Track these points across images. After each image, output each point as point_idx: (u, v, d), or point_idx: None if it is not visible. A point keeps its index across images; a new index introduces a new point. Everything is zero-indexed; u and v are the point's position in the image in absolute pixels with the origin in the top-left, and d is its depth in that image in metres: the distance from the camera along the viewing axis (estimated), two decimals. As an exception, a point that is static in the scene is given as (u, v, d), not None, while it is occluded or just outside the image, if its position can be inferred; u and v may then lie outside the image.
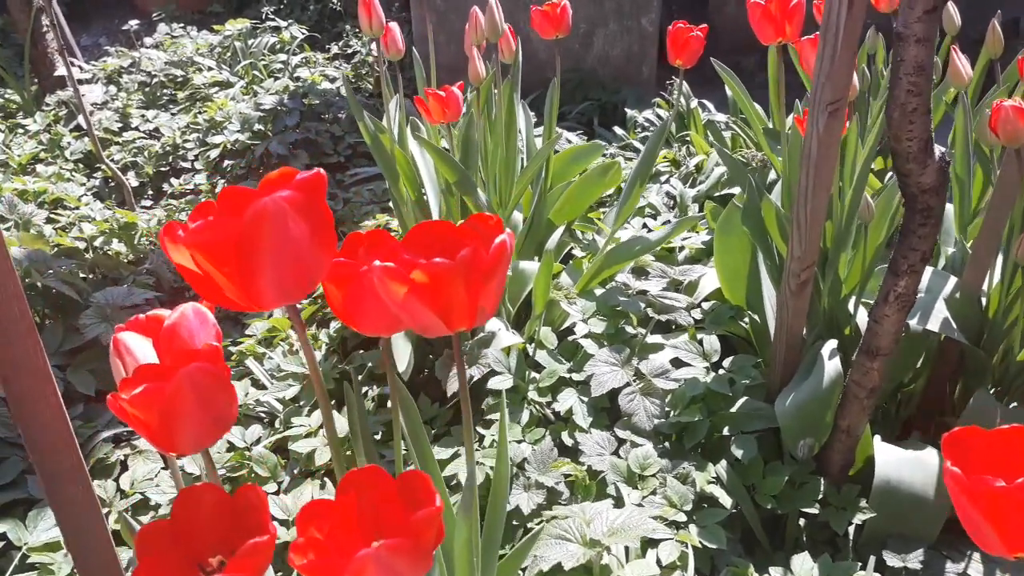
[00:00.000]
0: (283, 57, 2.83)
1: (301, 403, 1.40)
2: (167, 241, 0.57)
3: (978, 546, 0.59)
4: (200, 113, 2.51)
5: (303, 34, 3.02)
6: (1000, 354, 1.29)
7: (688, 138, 2.02)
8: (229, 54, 2.85)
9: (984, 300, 1.30)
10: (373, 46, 2.94)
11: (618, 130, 2.25)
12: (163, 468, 1.30)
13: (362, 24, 1.33)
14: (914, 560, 1.10)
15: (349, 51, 3.04)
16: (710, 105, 2.24)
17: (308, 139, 2.34)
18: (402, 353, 1.40)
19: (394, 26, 1.42)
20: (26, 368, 0.56)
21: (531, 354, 1.36)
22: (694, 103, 2.10)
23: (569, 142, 1.65)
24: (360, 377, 1.49)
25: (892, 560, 1.10)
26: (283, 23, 3.05)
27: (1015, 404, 1.27)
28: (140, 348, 0.78)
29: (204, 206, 0.61)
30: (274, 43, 2.91)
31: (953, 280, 1.28)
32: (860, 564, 1.08)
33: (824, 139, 1.05)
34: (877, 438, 1.21)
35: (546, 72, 2.58)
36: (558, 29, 1.45)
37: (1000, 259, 1.28)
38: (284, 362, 1.48)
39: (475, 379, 1.31)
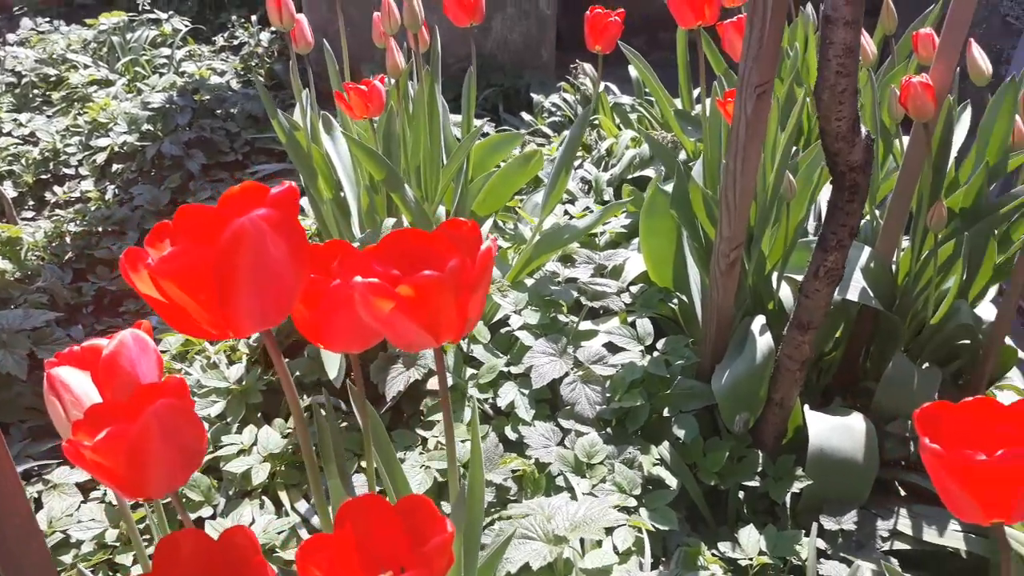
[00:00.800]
0: (166, 51, 2.68)
1: (228, 420, 1.34)
2: (129, 271, 0.52)
3: (954, 514, 0.61)
4: (80, 115, 2.35)
5: (186, 26, 2.87)
6: (911, 318, 1.36)
7: (597, 122, 2.03)
8: (106, 50, 2.67)
9: (895, 267, 1.37)
10: (262, 36, 2.83)
11: (526, 116, 2.24)
12: (83, 502, 1.22)
13: (271, 18, 1.27)
14: (848, 522, 1.15)
15: (236, 42, 2.91)
16: (614, 87, 2.26)
17: (203, 137, 2.22)
18: (332, 360, 1.36)
19: (302, 18, 1.36)
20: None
21: (466, 350, 1.34)
22: (600, 86, 2.11)
23: (486, 133, 1.63)
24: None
25: (829, 524, 1.14)
26: (162, 15, 2.88)
27: (927, 365, 1.35)
28: (77, 383, 0.73)
29: (161, 228, 0.57)
30: (155, 36, 2.75)
31: (867, 250, 1.34)
32: (804, 531, 1.12)
33: (752, 121, 1.07)
34: (807, 408, 1.25)
35: (444, 59, 2.54)
36: (472, 16, 1.42)
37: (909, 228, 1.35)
38: (204, 377, 1.41)
39: (413, 380, 1.28)
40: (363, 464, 1.21)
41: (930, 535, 1.14)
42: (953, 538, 1.13)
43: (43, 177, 2.16)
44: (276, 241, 0.51)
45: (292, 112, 1.45)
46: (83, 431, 0.57)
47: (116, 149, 2.18)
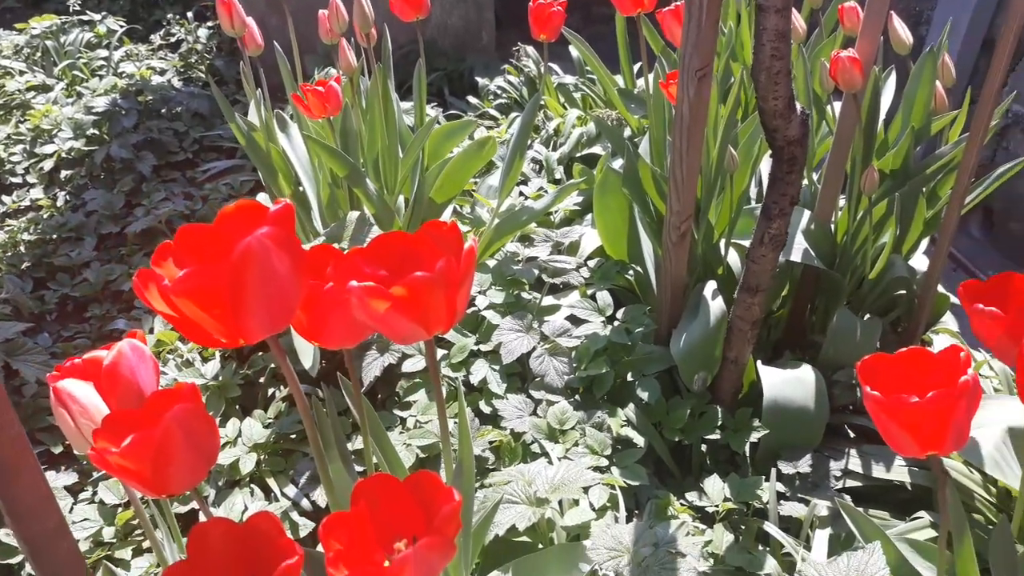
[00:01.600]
0: (103, 53, 2.65)
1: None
2: (144, 291, 0.57)
3: (896, 451, 0.70)
4: (22, 122, 2.32)
5: (121, 26, 2.84)
6: (851, 274, 1.45)
7: (543, 102, 2.09)
8: (40, 54, 2.63)
9: (833, 227, 1.46)
10: (200, 32, 2.81)
11: (472, 99, 2.28)
12: (74, 504, 1.26)
13: (223, 24, 1.29)
14: (804, 465, 1.24)
15: (173, 40, 2.88)
16: (556, 67, 2.32)
17: (151, 139, 2.22)
18: (305, 350, 1.40)
19: (251, 22, 1.38)
20: (4, 436, 0.55)
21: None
22: (544, 67, 2.17)
23: (436, 122, 1.67)
24: (262, 380, 1.48)
25: (786, 468, 1.23)
26: (95, 16, 2.84)
27: (868, 316, 1.45)
28: (83, 393, 0.77)
29: (164, 248, 0.61)
30: (90, 38, 2.71)
31: (807, 214, 1.43)
32: (763, 477, 1.21)
33: (695, 103, 1.14)
34: (760, 363, 1.34)
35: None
36: (418, 11, 1.46)
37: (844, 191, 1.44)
38: (180, 376, 1.45)
39: (387, 365, 1.33)
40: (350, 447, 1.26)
41: (878, 471, 1.24)
42: (899, 472, 1.23)
43: (-11, 188, 2.15)
44: (280, 256, 0.56)
45: (239, 108, 1.47)
46: (105, 439, 0.62)
47: (63, 155, 2.17)
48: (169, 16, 2.99)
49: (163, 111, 2.35)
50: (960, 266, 2.27)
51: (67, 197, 2.10)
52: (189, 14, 2.99)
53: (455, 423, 1.25)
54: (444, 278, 0.60)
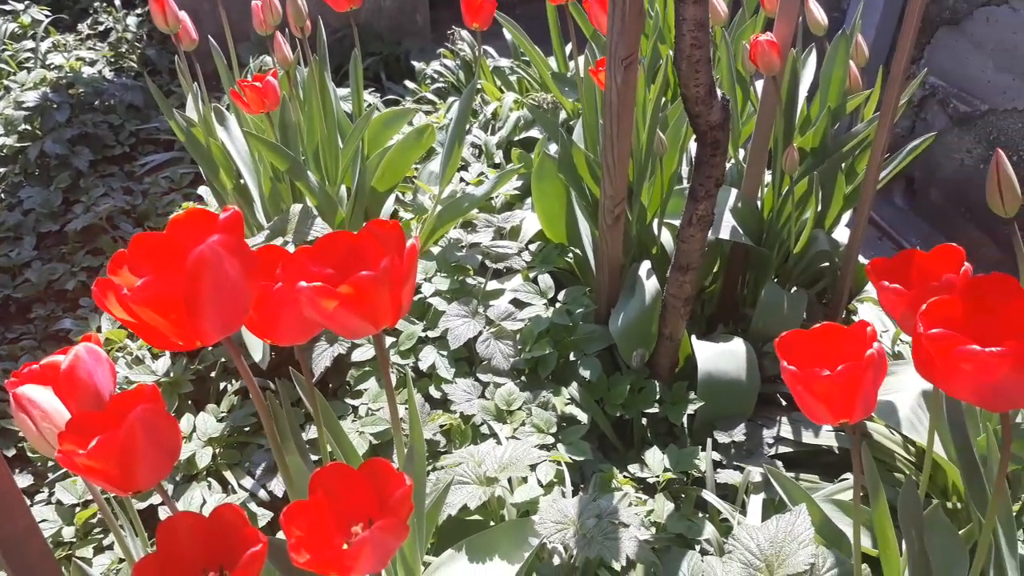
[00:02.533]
0: (30, 44, 2.59)
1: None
2: (103, 300, 0.60)
3: (811, 419, 0.76)
4: (-53, 119, 2.27)
5: (46, 16, 2.77)
6: (778, 248, 1.53)
7: (480, 86, 2.12)
8: (-39, 47, 2.57)
9: (759, 205, 1.53)
10: (129, 21, 2.76)
11: (409, 84, 2.30)
12: (30, 506, 1.27)
13: (156, 21, 1.30)
14: (738, 433, 1.31)
15: (101, 28, 2.83)
16: (492, 51, 2.35)
17: (86, 133, 2.19)
18: (255, 344, 1.43)
19: (185, 16, 1.39)
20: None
21: (384, 320, 1.43)
22: (480, 50, 2.20)
23: (375, 108, 1.69)
24: (213, 374, 1.50)
25: (722, 437, 1.30)
26: (18, 5, 2.77)
27: (795, 289, 1.52)
28: (42, 398, 0.79)
29: (119, 257, 0.64)
30: (14, 29, 2.65)
31: (734, 192, 1.50)
32: (699, 447, 1.28)
33: (622, 90, 1.19)
34: (694, 338, 1.41)
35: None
36: (351, 1, 1.48)
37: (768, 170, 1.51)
38: (132, 373, 1.46)
39: (337, 355, 1.37)
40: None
41: (808, 437, 1.32)
42: (826, 437, 1.31)
43: (-81, 188, 2.10)
44: (231, 262, 0.59)
45: (173, 99, 1.46)
46: (70, 441, 0.65)
47: (-5, 153, 2.14)
48: (96, 4, 2.92)
49: (96, 104, 2.31)
50: (885, 235, 2.37)
51: (2, 196, 2.07)
52: (117, 1, 2.94)
53: (406, 409, 1.29)
54: (389, 276, 0.64)
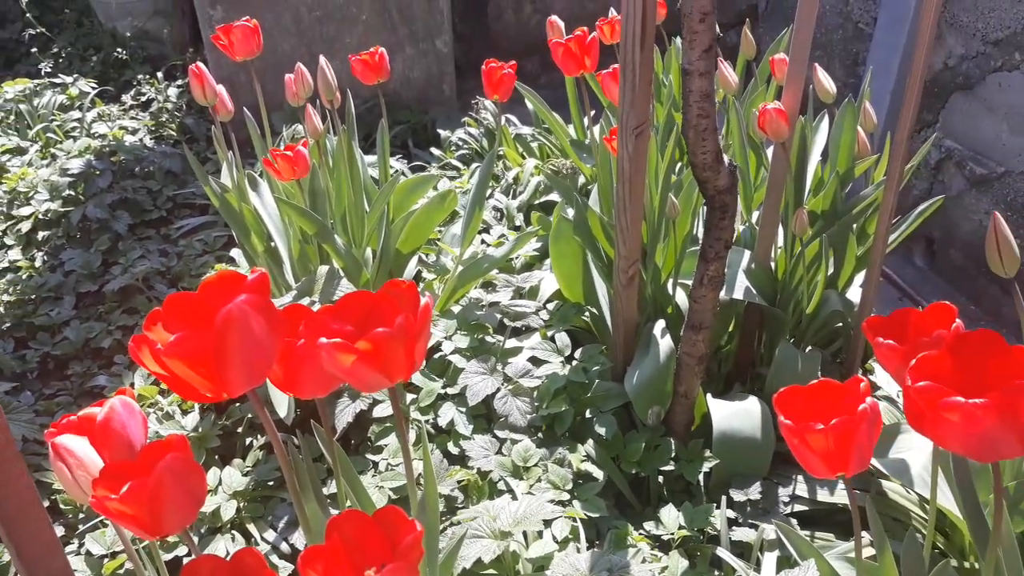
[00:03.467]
0: (76, 115, 2.73)
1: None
2: (139, 353, 0.65)
3: (809, 472, 0.78)
4: (-2, 185, 2.40)
5: (93, 88, 2.92)
6: (792, 308, 1.55)
7: (502, 153, 2.20)
8: (14, 117, 2.71)
9: (773, 266, 1.56)
10: (170, 92, 2.90)
11: (435, 151, 2.39)
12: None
13: (195, 94, 1.38)
14: (754, 492, 1.32)
15: (143, 99, 2.97)
16: (514, 119, 2.44)
17: (125, 198, 2.30)
18: (281, 400, 1.47)
19: (222, 89, 1.47)
20: (14, 488, 0.63)
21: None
22: (502, 120, 2.28)
23: (402, 174, 1.76)
24: (240, 430, 1.55)
25: (737, 496, 1.31)
26: (67, 79, 2.92)
27: (810, 348, 1.55)
28: (78, 447, 0.84)
29: (153, 315, 0.69)
30: (63, 101, 2.79)
31: (747, 254, 1.53)
32: (714, 504, 1.29)
33: (634, 158, 1.25)
34: (709, 396, 1.43)
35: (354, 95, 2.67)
36: (379, 75, 1.56)
37: (781, 231, 1.55)
38: (161, 428, 1.51)
39: (360, 410, 1.41)
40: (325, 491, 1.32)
41: (823, 495, 1.33)
42: (841, 496, 1.32)
43: (-32, 251, 2.21)
44: (258, 319, 0.64)
45: (209, 165, 1.54)
46: (104, 487, 0.69)
47: (40, 216, 2.24)
48: (139, 76, 3.08)
49: (136, 170, 2.42)
50: (905, 295, 2.38)
51: (45, 257, 2.16)
52: (159, 74, 3.09)
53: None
54: (403, 332, 0.68)
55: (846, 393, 0.79)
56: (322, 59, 1.43)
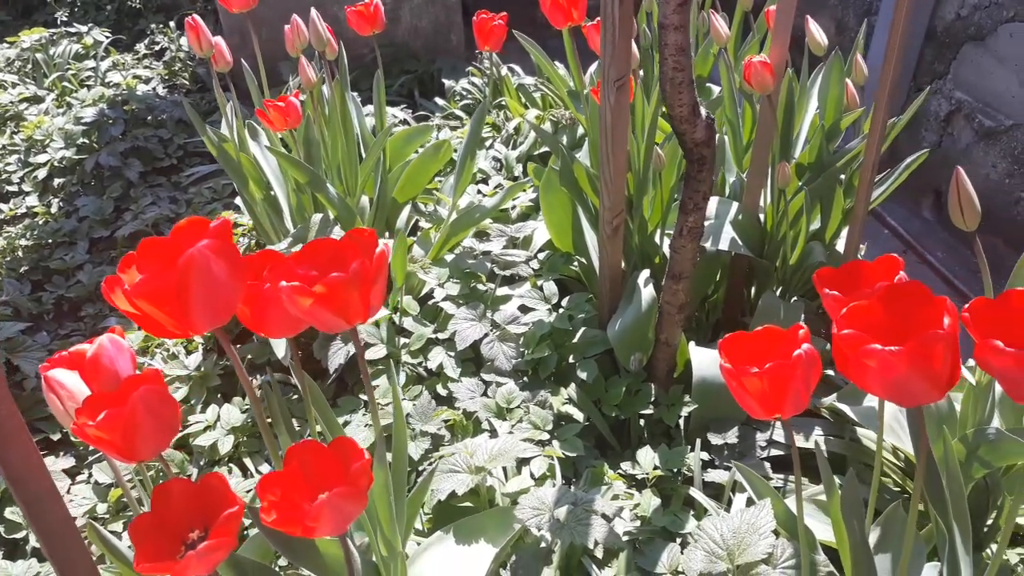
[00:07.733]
0: (91, 64, 2.78)
1: (192, 402, 1.51)
2: (111, 294, 0.70)
3: (747, 413, 0.82)
4: (16, 133, 2.46)
5: (107, 37, 2.96)
6: (780, 260, 1.58)
7: (504, 103, 2.21)
8: (30, 66, 2.76)
9: (762, 218, 1.59)
10: (182, 41, 2.93)
11: (439, 100, 2.41)
12: (72, 484, 1.40)
13: (192, 46, 1.42)
14: (732, 436, 1.36)
15: (157, 48, 3.01)
16: (519, 69, 2.44)
17: (137, 146, 2.35)
18: (278, 342, 1.54)
19: (220, 41, 1.51)
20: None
21: (398, 323, 1.53)
22: (504, 70, 2.29)
23: (405, 123, 1.79)
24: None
25: (715, 439, 1.36)
26: (82, 28, 2.96)
27: (795, 299, 1.57)
28: (69, 380, 0.90)
29: (128, 258, 0.74)
30: (77, 50, 2.84)
31: (736, 205, 1.55)
32: (691, 447, 1.34)
33: (616, 109, 1.27)
34: (692, 344, 1.47)
35: (359, 48, 2.68)
36: (374, 25, 1.58)
37: (769, 183, 1.56)
38: (166, 368, 1.58)
39: (352, 354, 1.46)
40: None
41: (799, 441, 1.37)
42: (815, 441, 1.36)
43: (-13, 197, 2.28)
44: (218, 263, 0.69)
45: (217, 115, 1.58)
46: (85, 415, 0.75)
47: (56, 164, 2.30)
48: (152, 26, 3.11)
49: (148, 119, 2.47)
50: (910, 248, 2.39)
51: (60, 204, 2.23)
52: (172, 23, 3.12)
53: (414, 404, 1.38)
54: (357, 277, 0.73)
55: (787, 339, 0.82)
56: (313, 11, 1.46)
